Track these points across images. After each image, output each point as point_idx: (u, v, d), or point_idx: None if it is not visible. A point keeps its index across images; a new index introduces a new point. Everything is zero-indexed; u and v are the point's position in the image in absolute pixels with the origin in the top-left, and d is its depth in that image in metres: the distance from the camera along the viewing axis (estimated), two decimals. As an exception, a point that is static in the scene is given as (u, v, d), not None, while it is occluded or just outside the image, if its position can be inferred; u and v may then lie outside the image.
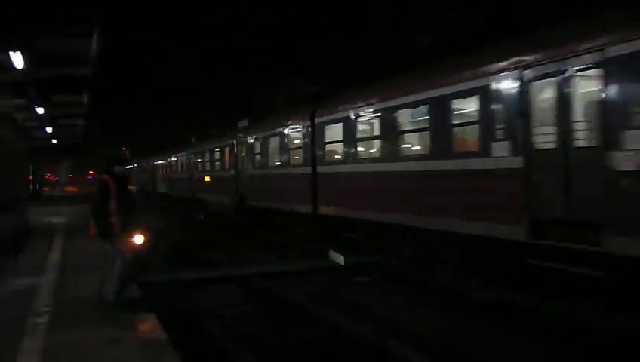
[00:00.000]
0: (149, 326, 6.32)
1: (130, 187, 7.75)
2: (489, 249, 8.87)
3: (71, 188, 70.24)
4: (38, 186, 44.19)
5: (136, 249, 7.33)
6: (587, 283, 7.41)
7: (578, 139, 7.30)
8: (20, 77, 15.36)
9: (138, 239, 7.25)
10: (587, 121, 7.34)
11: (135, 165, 50.72)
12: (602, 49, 6.84)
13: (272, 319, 7.93)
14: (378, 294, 9.37)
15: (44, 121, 27.44)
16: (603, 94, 6.90)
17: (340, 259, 11.60)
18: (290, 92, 21.38)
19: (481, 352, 6.38)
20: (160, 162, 38.70)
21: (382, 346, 6.14)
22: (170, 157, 34.62)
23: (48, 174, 75.38)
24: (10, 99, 18.66)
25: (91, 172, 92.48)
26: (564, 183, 7.33)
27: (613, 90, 6.77)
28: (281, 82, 24.02)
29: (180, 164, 31.83)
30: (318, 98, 15.81)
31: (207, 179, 25.05)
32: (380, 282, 10.31)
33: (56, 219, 21.15)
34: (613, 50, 6.72)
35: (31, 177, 36.59)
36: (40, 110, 22.44)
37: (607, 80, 6.83)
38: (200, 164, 26.75)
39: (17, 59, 13.22)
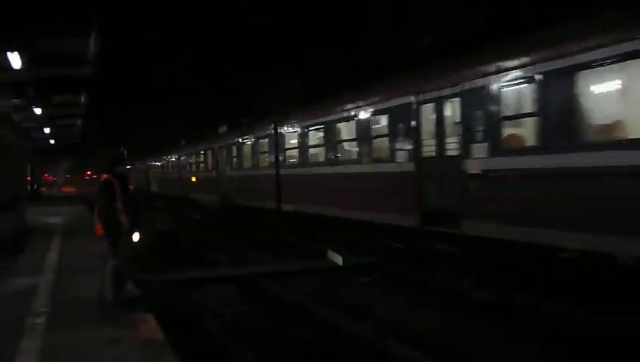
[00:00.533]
0: (147, 326, 6.31)
1: (129, 186, 7.76)
2: (398, 233, 11.30)
3: (69, 189, 70.15)
4: (36, 186, 44.13)
5: (133, 246, 7.36)
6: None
7: (448, 150, 9.61)
8: (18, 77, 15.35)
9: (135, 237, 7.26)
10: (453, 136, 9.55)
11: (131, 165, 51.72)
12: (458, 83, 9.31)
13: (272, 318, 7.92)
14: (377, 294, 9.37)
15: (42, 121, 27.40)
16: (459, 117, 9.36)
17: (338, 259, 11.62)
18: (290, 92, 21.82)
19: (481, 352, 6.37)
20: (153, 163, 40.80)
21: (382, 346, 6.13)
22: (163, 159, 36.80)
23: (46, 174, 75.33)
24: (9, 100, 18.63)
25: (89, 172, 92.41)
26: (441, 183, 9.66)
27: (464, 114, 9.21)
28: (281, 82, 24.27)
29: (170, 165, 34.31)
30: (283, 109, 18.26)
31: (193, 179, 27.44)
32: (379, 282, 10.31)
33: (55, 220, 21.12)
34: (466, 85, 9.14)
35: (29, 177, 36.54)
36: (38, 110, 22.41)
37: (461, 106, 9.29)
38: (188, 166, 29.18)
39: (15, 60, 13.20)
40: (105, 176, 7.22)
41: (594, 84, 7.45)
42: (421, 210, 10.07)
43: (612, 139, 7.15)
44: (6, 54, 12.72)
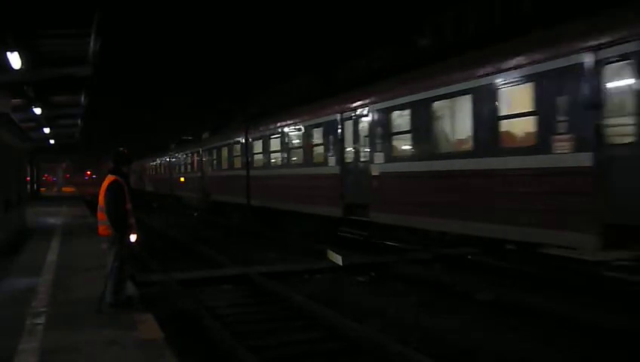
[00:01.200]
0: (147, 326, 6.30)
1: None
2: (329, 222, 14.35)
3: (68, 189, 70.08)
4: (35, 187, 44.10)
5: (131, 246, 7.38)
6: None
7: (360, 157, 12.97)
8: (17, 77, 15.32)
9: (133, 237, 7.23)
10: (365, 145, 12.78)
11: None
12: (357, 109, 13.01)
13: (273, 318, 7.90)
14: (378, 294, 9.36)
15: (42, 121, 27.37)
16: (366, 131, 12.67)
17: (338, 259, 11.62)
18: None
19: (489, 354, 6.36)
20: (147, 164, 44.38)
21: (383, 346, 6.12)
22: (156, 160, 40.51)
23: (46, 175, 75.28)
24: (8, 100, 18.60)
25: (88, 172, 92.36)
26: (356, 182, 12.99)
27: (369, 130, 12.53)
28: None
29: (162, 167, 38.05)
30: (253, 118, 21.57)
31: (182, 179, 30.98)
32: (385, 282, 10.33)
33: (54, 220, 21.12)
34: (368, 107, 12.59)
35: (29, 177, 36.54)
36: (37, 110, 22.37)
37: (368, 123, 12.57)
38: (177, 167, 32.72)
39: (15, 60, 13.17)
40: (112, 176, 7.10)
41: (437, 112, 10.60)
42: (343, 203, 13.50)
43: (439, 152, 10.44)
44: (5, 54, 12.70)
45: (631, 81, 7.02)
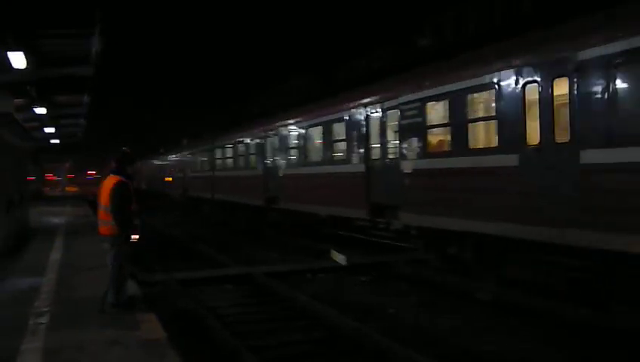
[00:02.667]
0: (150, 326, 6.33)
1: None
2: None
3: (72, 189, 70.16)
4: (38, 186, 44.15)
5: (132, 246, 7.21)
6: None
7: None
8: (19, 77, 15.35)
9: (135, 236, 7.08)
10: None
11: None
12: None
13: (274, 318, 7.93)
14: (380, 293, 9.38)
15: (45, 121, 27.40)
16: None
17: (341, 259, 11.63)
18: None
19: (489, 354, 6.37)
20: (145, 164, 48.70)
21: (383, 346, 6.14)
22: (148, 162, 45.69)
23: (49, 174, 75.29)
24: (10, 100, 18.64)
25: (91, 172, 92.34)
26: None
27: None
28: (277, 86, 25.95)
29: (155, 168, 42.80)
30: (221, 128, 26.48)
31: (170, 179, 36.21)
32: (386, 281, 10.34)
33: (58, 219, 21.17)
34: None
35: (32, 177, 36.59)
36: (40, 110, 22.40)
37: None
38: (165, 168, 38.12)
39: (18, 60, 13.19)
40: (117, 177, 7.05)
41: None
42: (266, 196, 17.74)
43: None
44: (7, 54, 12.73)
45: (378, 122, 11.78)
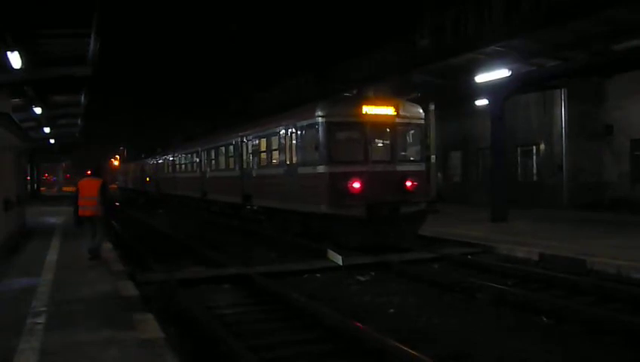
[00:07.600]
0: (147, 325, 6.31)
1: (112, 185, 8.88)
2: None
3: (69, 189, 70.04)
4: (35, 186, 44.07)
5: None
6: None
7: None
8: (17, 77, 15.32)
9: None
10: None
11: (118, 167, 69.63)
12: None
13: (273, 318, 7.90)
14: (379, 293, 9.37)
15: (42, 121, 27.39)
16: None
17: (338, 259, 11.63)
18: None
19: (489, 354, 6.36)
20: (131, 166, 52.43)
21: (382, 346, 6.12)
22: (139, 162, 47.50)
23: (46, 174, 75.20)
24: (8, 99, 18.61)
25: (89, 172, 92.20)
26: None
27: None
28: (277, 85, 26.10)
29: (143, 168, 44.75)
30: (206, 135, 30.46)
31: (147, 179, 40.78)
32: (385, 281, 10.33)
33: (54, 219, 21.12)
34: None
35: (29, 177, 36.55)
36: (37, 110, 22.39)
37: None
38: (154, 169, 40.57)
39: (13, 59, 13.17)
40: (100, 179, 11.26)
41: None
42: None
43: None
44: (6, 54, 12.71)
45: (246, 146, 19.12)
